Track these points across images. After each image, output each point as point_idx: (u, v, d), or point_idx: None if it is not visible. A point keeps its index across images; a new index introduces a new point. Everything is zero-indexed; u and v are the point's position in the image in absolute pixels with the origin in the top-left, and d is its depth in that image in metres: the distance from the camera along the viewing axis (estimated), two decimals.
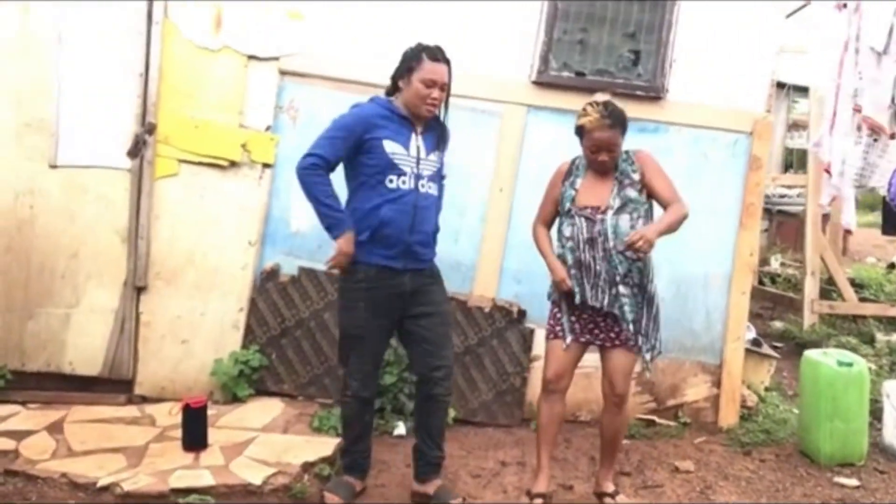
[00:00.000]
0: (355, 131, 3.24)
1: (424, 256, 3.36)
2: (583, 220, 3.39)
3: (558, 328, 3.51)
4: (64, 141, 4.33)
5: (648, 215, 3.46)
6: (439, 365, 3.38)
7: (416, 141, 3.30)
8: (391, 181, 3.23)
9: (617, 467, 3.99)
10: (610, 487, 3.65)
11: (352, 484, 3.49)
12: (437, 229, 3.45)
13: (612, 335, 3.44)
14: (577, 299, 3.41)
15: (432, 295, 3.40)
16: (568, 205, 3.45)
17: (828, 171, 5.36)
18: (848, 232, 6.24)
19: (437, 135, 3.39)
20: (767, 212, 9.35)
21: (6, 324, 4.33)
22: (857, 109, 5.01)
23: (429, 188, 3.32)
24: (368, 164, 3.24)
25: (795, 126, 11.78)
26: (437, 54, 3.24)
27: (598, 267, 3.37)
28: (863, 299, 7.13)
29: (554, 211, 3.57)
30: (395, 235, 3.23)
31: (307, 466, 3.64)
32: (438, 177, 3.42)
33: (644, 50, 4.59)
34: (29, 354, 4.35)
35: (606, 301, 3.38)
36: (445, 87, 3.28)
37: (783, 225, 10.14)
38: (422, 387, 3.46)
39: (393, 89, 3.34)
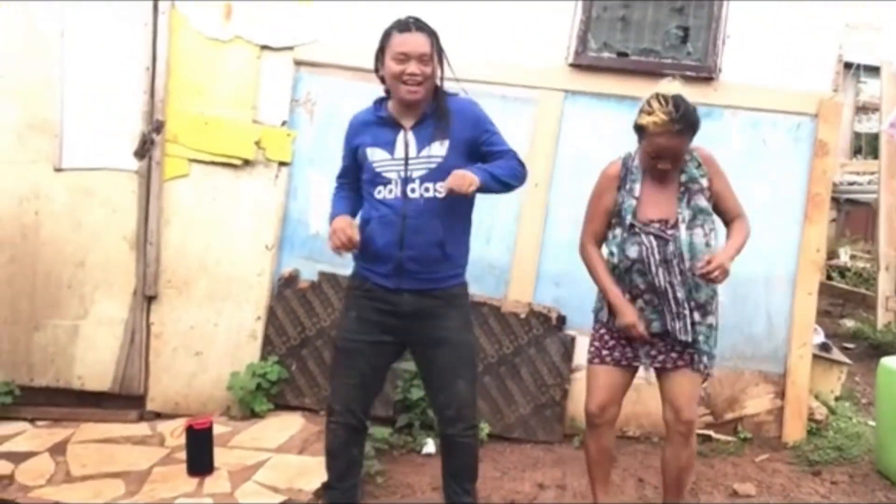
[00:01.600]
0: (349, 141, 2.93)
1: (424, 275, 2.81)
2: (652, 238, 2.88)
3: (605, 352, 3.00)
4: (68, 142, 4.10)
5: (715, 228, 2.97)
6: (448, 402, 2.92)
7: (405, 139, 2.80)
8: (379, 192, 2.81)
9: None
10: None
11: None
12: (447, 239, 2.80)
13: (674, 355, 2.94)
14: (657, 329, 2.92)
15: (442, 321, 2.86)
16: (630, 218, 2.91)
17: None
18: None
19: (435, 122, 2.80)
20: (835, 201, 8.85)
21: (12, 337, 4.11)
22: None
23: (424, 191, 2.77)
24: (363, 178, 2.86)
25: (864, 109, 11.18)
26: (408, 25, 2.78)
27: (678, 294, 2.87)
28: None
29: (606, 224, 3.00)
30: (384, 252, 2.78)
31: (320, 493, 3.31)
32: (445, 172, 2.73)
33: (693, 26, 4.14)
34: (37, 369, 4.13)
35: (689, 333, 2.89)
36: (426, 60, 2.74)
37: (852, 214, 9.64)
38: (438, 423, 3.07)
39: (386, 87, 2.87)
